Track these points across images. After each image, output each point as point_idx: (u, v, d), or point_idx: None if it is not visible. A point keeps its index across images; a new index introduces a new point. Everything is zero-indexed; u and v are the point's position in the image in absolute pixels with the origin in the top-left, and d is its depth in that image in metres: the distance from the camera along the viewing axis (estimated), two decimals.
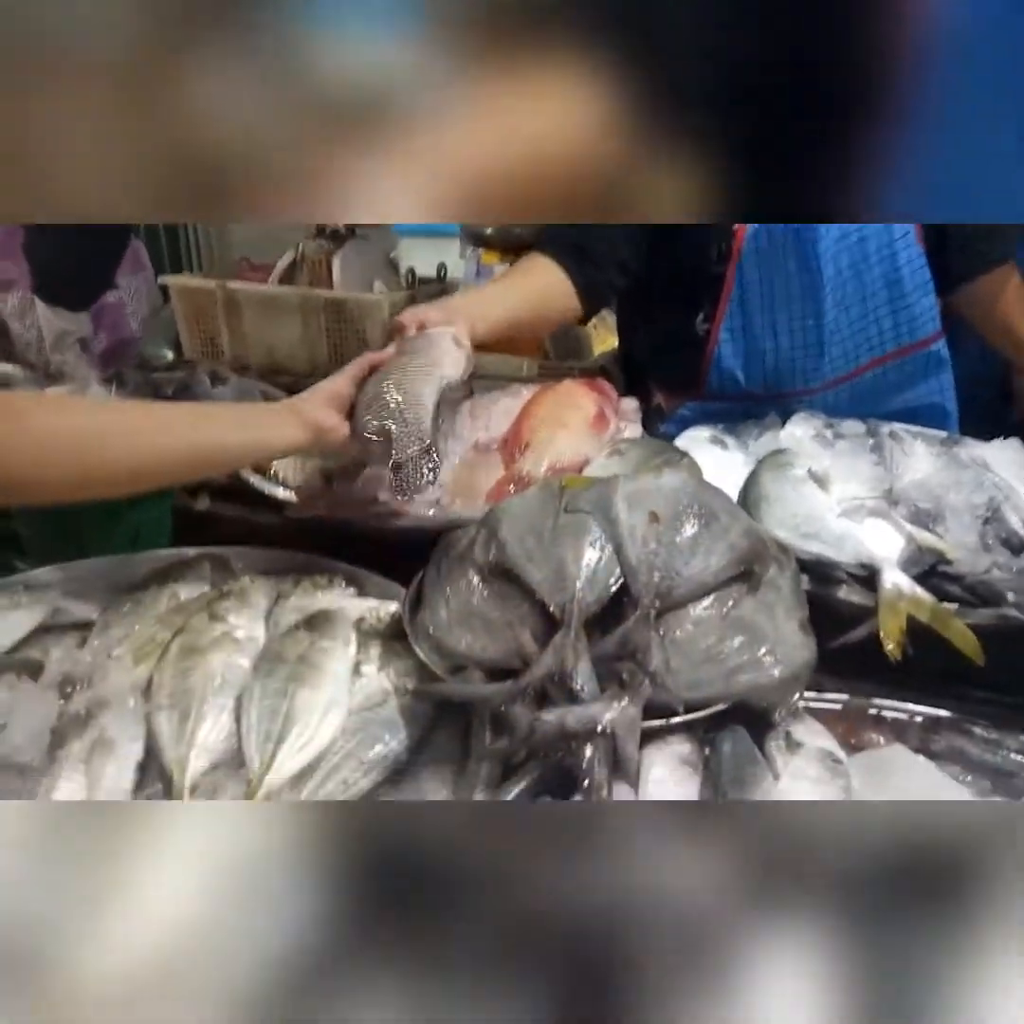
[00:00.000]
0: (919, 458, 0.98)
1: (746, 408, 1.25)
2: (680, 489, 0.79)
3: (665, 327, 1.37)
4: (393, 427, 0.90)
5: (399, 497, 0.93)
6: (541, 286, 1.26)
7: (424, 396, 0.94)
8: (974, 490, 0.92)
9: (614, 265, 1.27)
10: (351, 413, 0.91)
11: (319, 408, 0.88)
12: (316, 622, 0.77)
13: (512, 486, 1.01)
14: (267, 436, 0.83)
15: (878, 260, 1.24)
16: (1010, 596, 0.80)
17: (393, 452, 0.90)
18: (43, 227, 1.54)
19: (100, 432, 0.71)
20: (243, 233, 3.73)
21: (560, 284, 1.24)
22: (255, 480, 1.08)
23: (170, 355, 1.74)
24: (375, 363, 0.98)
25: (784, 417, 1.18)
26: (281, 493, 1.03)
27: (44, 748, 0.62)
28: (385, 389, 0.93)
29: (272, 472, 1.08)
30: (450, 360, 1.00)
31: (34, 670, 0.71)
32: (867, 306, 1.26)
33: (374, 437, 0.90)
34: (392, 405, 0.92)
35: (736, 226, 1.22)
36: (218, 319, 1.71)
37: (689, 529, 0.74)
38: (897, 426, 1.10)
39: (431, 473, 0.92)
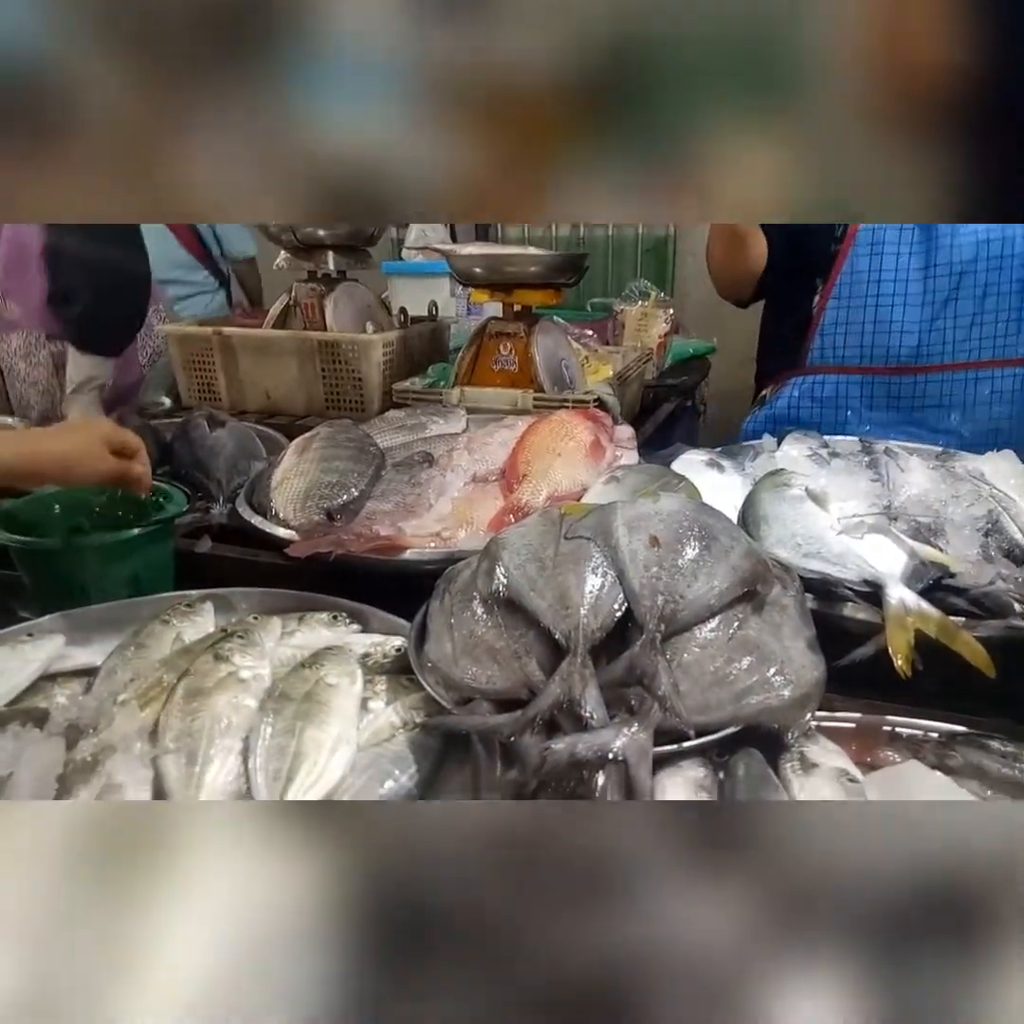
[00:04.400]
0: (916, 473, 0.99)
1: (843, 388, 1.39)
2: (679, 512, 0.79)
3: (786, 305, 1.48)
4: None
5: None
6: None
7: None
8: (973, 503, 0.92)
9: None
10: None
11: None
12: (321, 659, 0.76)
13: (511, 516, 1.02)
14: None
15: (1021, 263, 1.27)
16: (1016, 607, 0.80)
17: None
18: (78, 274, 1.58)
19: None
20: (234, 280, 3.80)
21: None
22: (256, 521, 1.08)
23: (168, 402, 1.75)
24: None
25: (873, 400, 1.34)
26: (282, 533, 1.04)
27: (51, 796, 0.61)
28: None
29: (273, 512, 1.09)
30: None
31: (39, 718, 0.70)
32: (986, 305, 1.30)
33: None
34: None
35: None
36: (214, 365, 1.73)
37: (690, 551, 0.74)
38: (892, 443, 1.11)
39: None
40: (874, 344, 1.36)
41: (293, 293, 1.74)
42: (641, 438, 1.75)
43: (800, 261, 1.43)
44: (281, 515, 1.07)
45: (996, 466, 0.99)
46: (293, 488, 1.09)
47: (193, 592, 0.92)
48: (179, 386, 1.79)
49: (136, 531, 0.92)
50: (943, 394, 1.35)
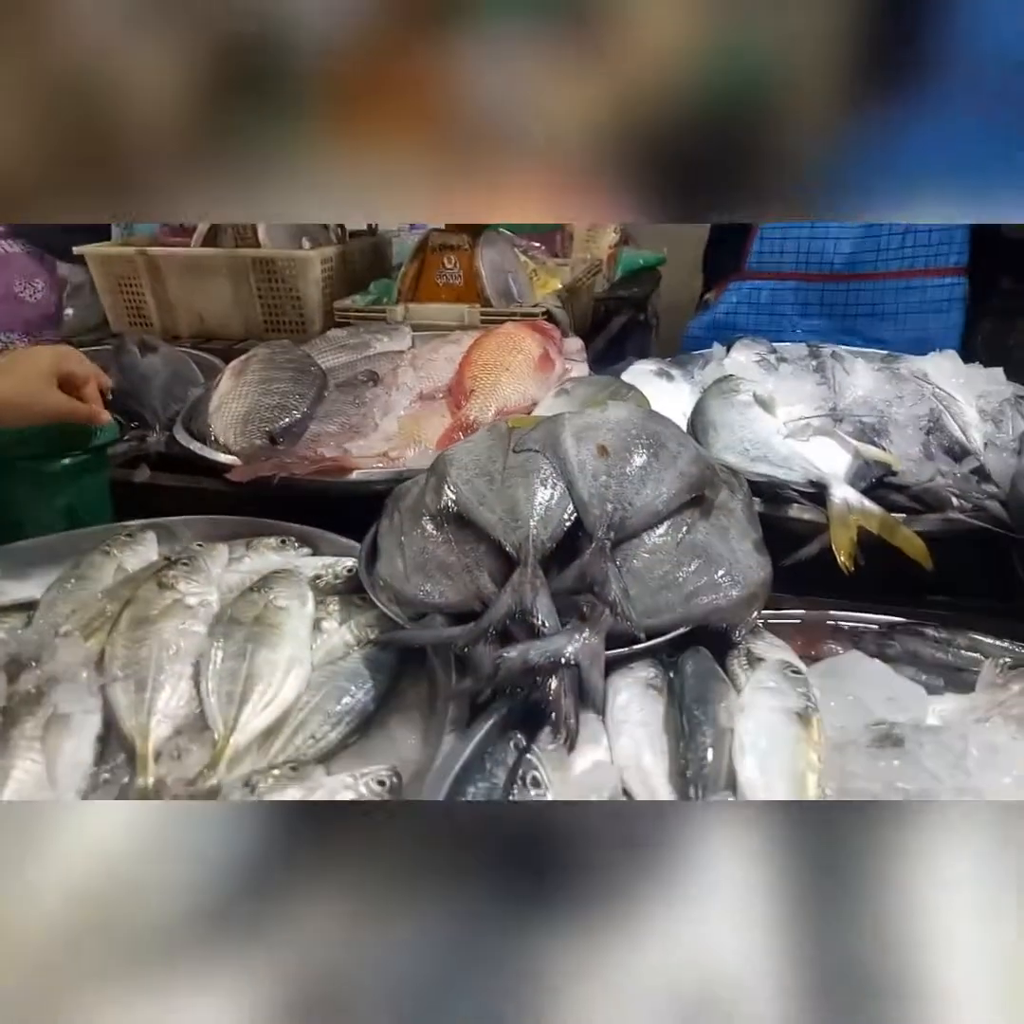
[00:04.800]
0: (861, 375, 1.00)
1: (780, 294, 1.45)
2: (627, 421, 0.78)
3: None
4: None
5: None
6: None
7: None
8: (915, 402, 0.93)
9: None
10: None
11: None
12: (270, 583, 0.75)
13: (460, 433, 1.00)
14: None
15: None
16: (954, 501, 0.82)
17: None
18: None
19: None
20: None
21: None
22: (196, 448, 1.05)
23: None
24: None
25: (806, 304, 1.40)
26: (224, 458, 1.00)
27: None
28: None
29: (213, 437, 1.05)
30: None
31: None
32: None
33: None
34: None
35: None
36: (142, 287, 1.64)
37: (638, 459, 0.74)
38: (840, 347, 1.11)
39: None
40: (809, 251, 1.41)
41: None
42: (593, 352, 1.72)
43: None
44: (221, 440, 1.03)
45: (939, 366, 1.00)
46: (232, 412, 1.05)
47: (134, 522, 0.89)
48: (106, 311, 1.69)
49: (66, 461, 0.88)
50: (875, 302, 1.40)
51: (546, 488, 0.73)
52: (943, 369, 0.99)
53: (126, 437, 1.10)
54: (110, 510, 0.96)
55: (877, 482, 0.85)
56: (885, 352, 1.16)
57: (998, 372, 1.00)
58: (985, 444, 0.89)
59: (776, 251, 1.46)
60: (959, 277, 1.37)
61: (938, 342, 1.19)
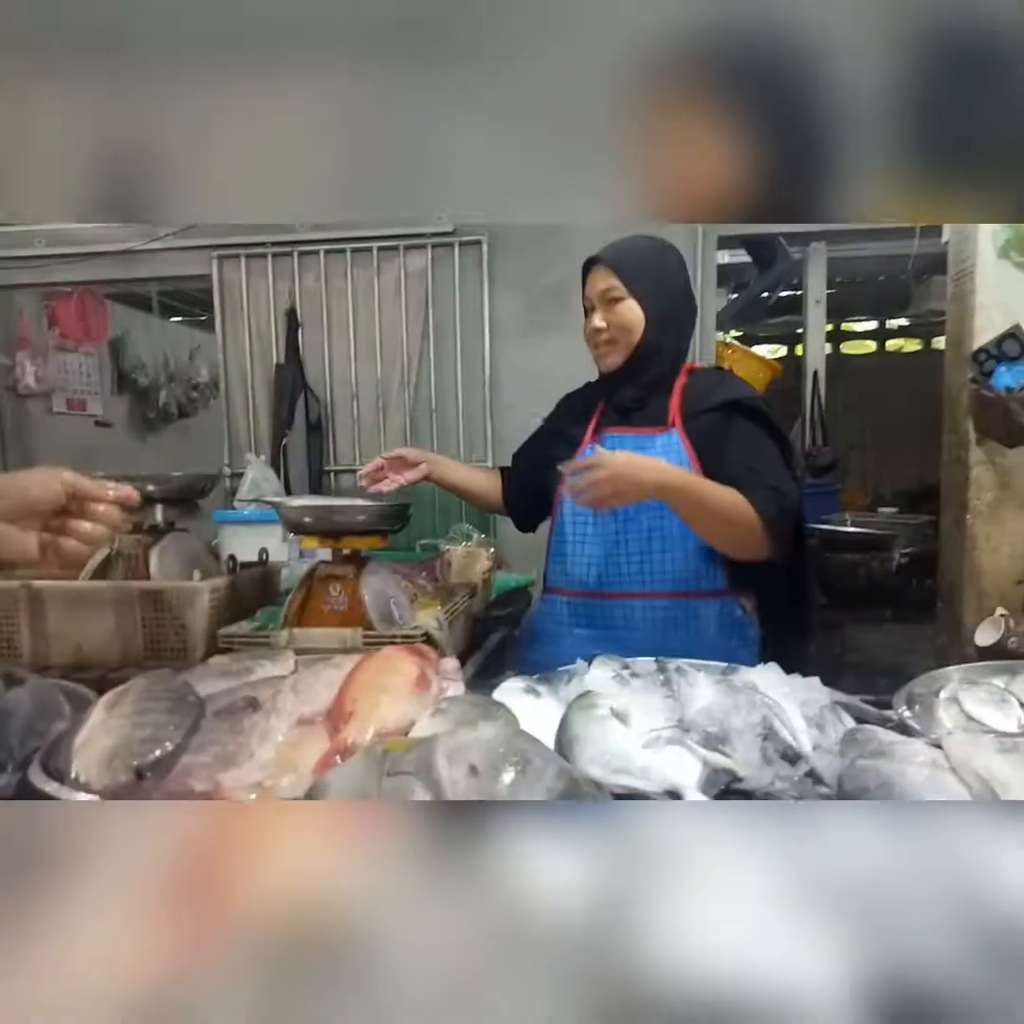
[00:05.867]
0: (702, 687, 1.12)
1: (577, 607, 1.70)
2: (495, 739, 0.85)
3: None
4: None
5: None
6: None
7: None
8: (750, 711, 1.05)
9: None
10: None
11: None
12: None
13: (339, 757, 1.02)
14: None
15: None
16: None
17: None
18: None
19: None
20: None
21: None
22: (51, 789, 1.00)
23: None
24: None
25: (578, 619, 1.67)
26: (82, 798, 0.96)
27: None
28: None
29: (73, 776, 1.01)
30: None
31: None
32: (652, 545, 1.62)
33: None
34: None
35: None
36: (18, 619, 1.64)
37: (507, 777, 0.79)
38: (683, 662, 1.25)
39: None
40: (571, 573, 1.70)
41: (116, 544, 1.74)
42: (473, 668, 1.83)
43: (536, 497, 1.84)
44: (82, 779, 0.99)
45: (764, 678, 1.15)
46: (98, 748, 1.03)
47: None
48: None
49: None
50: (626, 617, 1.64)
51: None
52: (769, 680, 1.14)
53: None
54: None
55: (726, 788, 0.92)
56: (724, 665, 1.31)
57: (815, 681, 1.16)
58: (814, 747, 1.00)
59: (558, 571, 1.76)
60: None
61: (687, 655, 1.32)
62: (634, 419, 1.68)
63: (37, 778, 1.04)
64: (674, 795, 0.90)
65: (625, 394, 1.69)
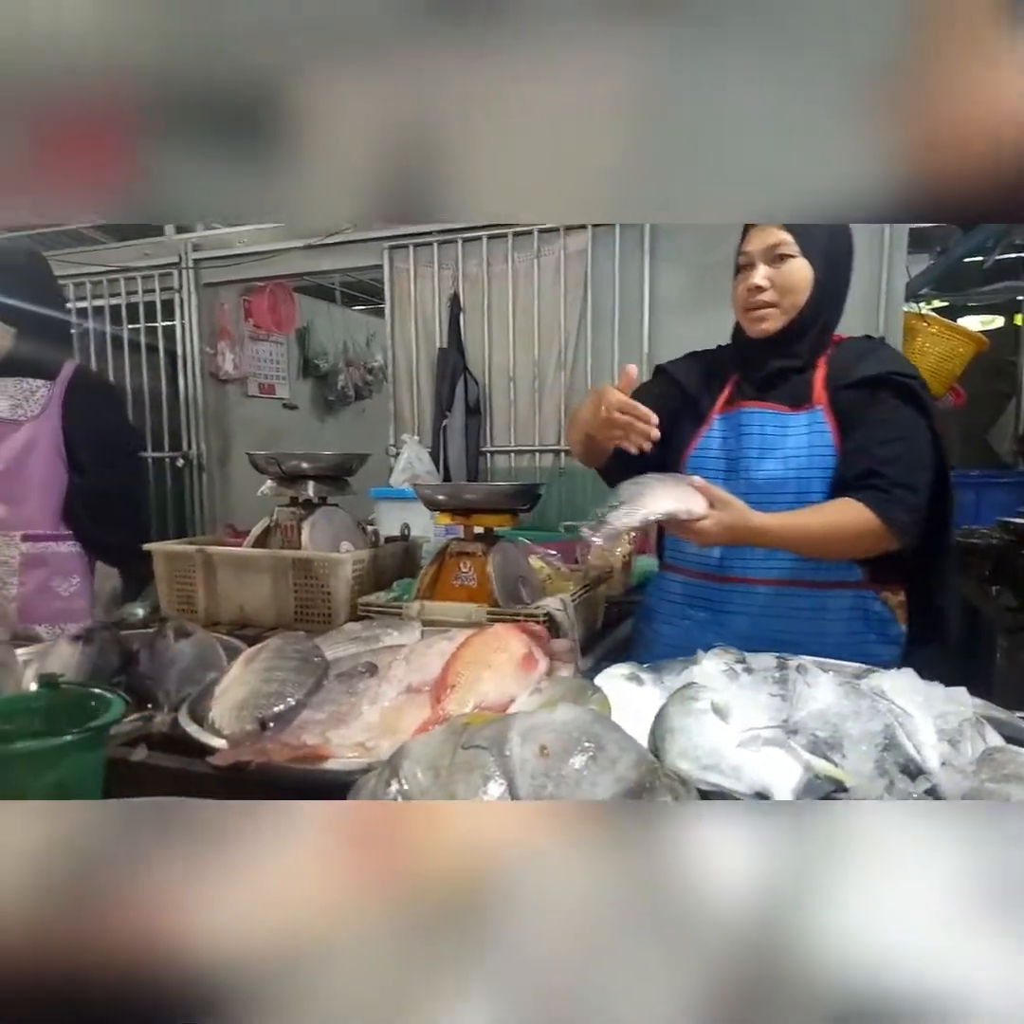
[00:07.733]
0: (821, 689, 1.03)
1: (693, 588, 1.60)
2: (571, 722, 0.83)
3: None
4: None
5: None
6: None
7: None
8: (871, 718, 0.95)
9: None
10: None
11: None
12: None
13: (436, 726, 1.05)
14: None
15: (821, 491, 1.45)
16: None
17: None
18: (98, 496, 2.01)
19: None
20: (233, 503, 4.11)
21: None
22: (192, 730, 1.12)
23: (141, 612, 1.84)
24: None
25: (693, 600, 1.58)
26: (215, 742, 1.07)
27: None
28: None
29: (210, 720, 1.13)
30: None
31: None
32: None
33: None
34: None
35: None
36: (195, 579, 1.84)
37: (577, 761, 0.78)
38: (807, 659, 1.16)
39: None
40: (688, 550, 1.57)
41: (275, 516, 1.90)
42: (602, 651, 1.81)
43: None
44: (216, 724, 1.10)
45: (897, 683, 1.04)
46: (231, 698, 1.14)
47: (113, 802, 0.94)
48: (160, 597, 1.89)
49: (67, 738, 0.96)
50: (746, 603, 1.50)
51: (485, 784, 0.76)
52: (901, 686, 1.02)
53: (134, 717, 1.18)
54: (100, 788, 1.01)
55: (828, 797, 0.85)
56: (859, 666, 1.20)
57: (960, 691, 1.03)
58: (942, 763, 0.89)
59: (675, 549, 1.64)
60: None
61: (799, 648, 1.24)
62: (774, 394, 1.49)
63: (183, 720, 1.17)
64: (763, 797, 0.84)
65: (772, 365, 1.49)
